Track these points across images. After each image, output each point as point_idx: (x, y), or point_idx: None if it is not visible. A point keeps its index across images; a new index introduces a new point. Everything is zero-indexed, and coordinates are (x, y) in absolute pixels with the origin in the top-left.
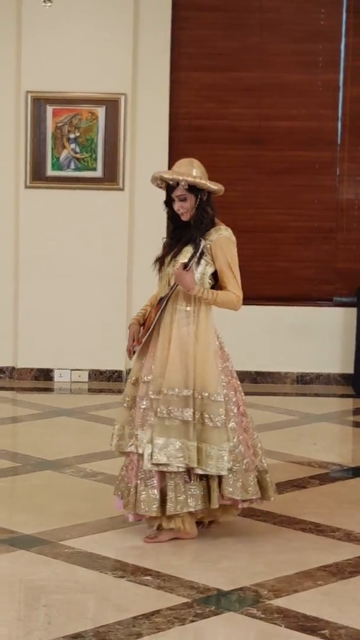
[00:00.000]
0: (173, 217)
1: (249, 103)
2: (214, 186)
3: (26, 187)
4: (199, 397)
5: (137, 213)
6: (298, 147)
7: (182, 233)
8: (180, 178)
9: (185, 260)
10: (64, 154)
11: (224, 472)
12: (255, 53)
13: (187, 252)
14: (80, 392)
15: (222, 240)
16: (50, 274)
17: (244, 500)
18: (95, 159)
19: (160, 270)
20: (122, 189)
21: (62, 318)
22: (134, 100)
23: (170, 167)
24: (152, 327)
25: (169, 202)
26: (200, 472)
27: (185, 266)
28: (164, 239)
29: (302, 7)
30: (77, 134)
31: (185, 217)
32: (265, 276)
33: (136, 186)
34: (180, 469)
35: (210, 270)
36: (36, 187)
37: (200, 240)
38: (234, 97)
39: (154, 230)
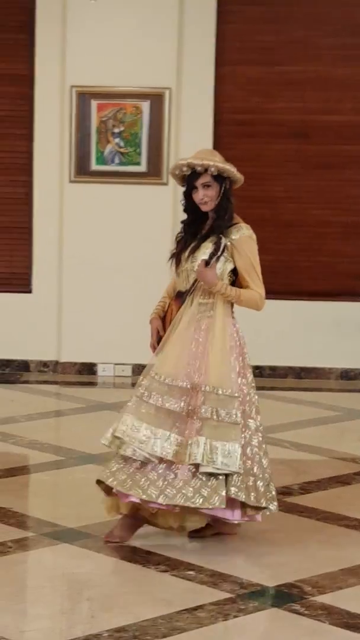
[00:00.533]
0: (189, 210)
1: (294, 97)
2: (238, 174)
3: (70, 181)
4: (211, 391)
5: (181, 207)
6: (343, 141)
7: (198, 227)
8: (212, 163)
9: (206, 257)
10: (108, 149)
11: (234, 469)
12: (300, 47)
13: (205, 248)
14: (124, 386)
15: (245, 240)
16: (94, 268)
17: (244, 507)
18: (140, 154)
19: (177, 265)
20: (166, 184)
21: (105, 312)
22: (179, 94)
23: None
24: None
25: (188, 193)
26: (211, 470)
27: (207, 263)
28: (179, 234)
29: (348, 0)
30: (122, 129)
31: (207, 207)
32: (309, 271)
33: None
34: (142, 456)
35: (229, 266)
36: (80, 182)
37: (221, 238)
38: (278, 91)
39: None
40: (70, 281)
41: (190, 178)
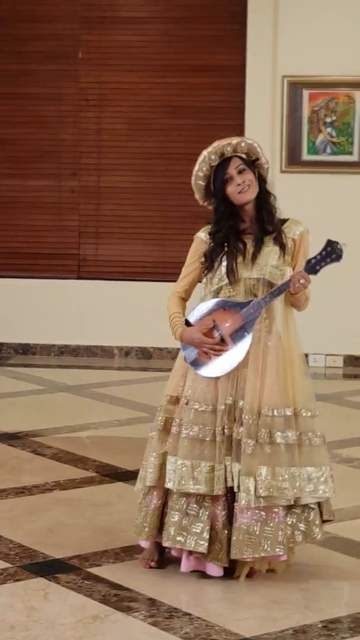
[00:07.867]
0: (223, 215)
1: None
2: (266, 164)
3: (281, 171)
4: (300, 415)
5: None
6: None
7: (235, 227)
8: (239, 139)
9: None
10: (319, 138)
11: (332, 494)
12: None
13: (273, 253)
14: (335, 377)
15: (305, 235)
16: None
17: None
18: (352, 143)
19: (233, 275)
20: None
21: (317, 303)
22: None
23: None
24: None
25: (221, 189)
26: (312, 500)
27: (315, 271)
28: (209, 241)
29: None
30: (334, 118)
31: (250, 195)
32: None
33: None
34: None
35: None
36: (292, 172)
37: (335, 242)
38: None
39: None
40: None
41: (217, 172)
